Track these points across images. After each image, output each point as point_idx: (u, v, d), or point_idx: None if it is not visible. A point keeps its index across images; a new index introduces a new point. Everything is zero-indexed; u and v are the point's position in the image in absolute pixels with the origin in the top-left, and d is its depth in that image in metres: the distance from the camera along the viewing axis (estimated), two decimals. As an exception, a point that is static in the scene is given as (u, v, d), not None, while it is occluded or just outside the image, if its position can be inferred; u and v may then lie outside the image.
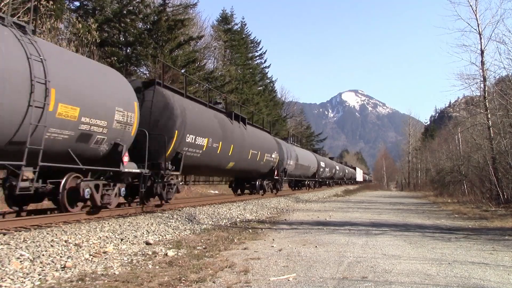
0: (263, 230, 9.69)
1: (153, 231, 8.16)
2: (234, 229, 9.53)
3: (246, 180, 19.56)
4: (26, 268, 4.91)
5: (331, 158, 52.19)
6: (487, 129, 20.47)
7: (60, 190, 7.55)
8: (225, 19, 42.01)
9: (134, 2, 24.62)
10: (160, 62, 22.50)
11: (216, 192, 24.64)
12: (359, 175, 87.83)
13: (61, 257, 5.53)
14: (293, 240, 8.19)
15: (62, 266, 5.22)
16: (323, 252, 6.84)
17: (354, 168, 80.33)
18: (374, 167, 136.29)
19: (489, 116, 19.95)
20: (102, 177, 8.86)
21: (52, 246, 5.83)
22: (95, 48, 20.21)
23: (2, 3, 13.63)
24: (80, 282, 4.65)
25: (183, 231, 8.87)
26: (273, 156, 19.72)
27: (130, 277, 4.89)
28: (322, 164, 37.01)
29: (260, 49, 49.71)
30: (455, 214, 15.99)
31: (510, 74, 18.77)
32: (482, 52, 19.97)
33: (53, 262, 5.29)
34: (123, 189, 9.16)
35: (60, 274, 4.93)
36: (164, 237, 8.05)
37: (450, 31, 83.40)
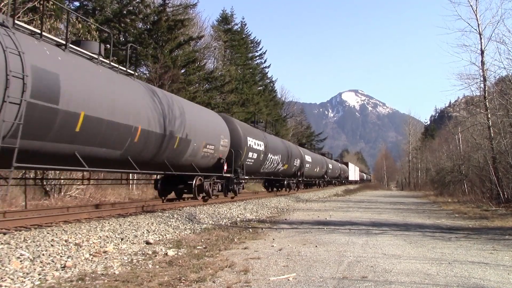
0: (263, 229, 9.69)
1: (153, 231, 8.16)
2: (234, 229, 9.53)
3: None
4: (26, 267, 4.91)
5: (302, 145, 35.77)
6: (487, 129, 20.47)
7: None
8: (225, 19, 42.04)
9: (134, 2, 24.64)
10: (160, 62, 22.54)
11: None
12: (354, 173, 70.69)
13: (61, 256, 5.53)
14: (293, 239, 8.19)
15: (62, 265, 5.22)
16: (323, 252, 6.84)
17: (346, 164, 63.44)
18: (374, 167, 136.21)
19: (489, 116, 19.95)
20: None
21: (52, 245, 5.84)
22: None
23: (2, 3, 13.62)
24: (80, 281, 4.65)
25: (183, 230, 8.88)
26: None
27: (130, 277, 4.90)
28: (260, 145, 18.28)
29: (260, 49, 49.80)
30: (455, 214, 15.99)
31: (510, 74, 18.77)
32: (482, 52, 19.97)
33: (53, 261, 5.29)
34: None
35: (60, 273, 4.93)
36: (164, 236, 8.05)
37: (450, 31, 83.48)
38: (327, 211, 15.92)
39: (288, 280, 4.95)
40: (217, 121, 14.66)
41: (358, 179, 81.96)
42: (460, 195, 28.93)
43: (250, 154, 16.97)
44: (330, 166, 42.70)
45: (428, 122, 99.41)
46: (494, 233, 9.97)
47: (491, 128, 19.96)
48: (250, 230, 9.51)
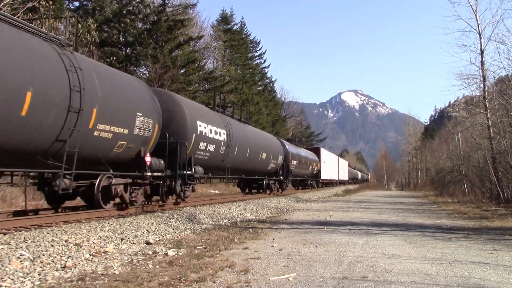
0: (264, 229, 9.69)
1: (154, 231, 8.16)
2: (234, 229, 9.53)
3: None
4: (26, 267, 4.91)
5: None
6: (487, 129, 20.48)
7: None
8: (224, 19, 42.06)
9: (133, 2, 24.63)
10: (160, 62, 22.55)
11: (216, 191, 24.62)
12: (334, 168, 43.49)
13: (61, 256, 5.53)
14: (293, 239, 8.19)
15: (62, 265, 5.22)
16: (323, 252, 6.84)
17: (316, 150, 35.82)
18: (374, 167, 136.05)
19: (489, 116, 19.96)
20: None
21: (52, 245, 5.83)
22: (94, 48, 20.22)
23: (2, 3, 13.62)
24: (80, 282, 4.64)
25: (184, 230, 8.87)
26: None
27: (130, 277, 4.89)
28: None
29: (260, 49, 49.83)
30: (455, 214, 16.00)
31: (509, 74, 18.78)
32: (482, 52, 19.98)
33: (53, 261, 5.29)
34: None
35: (60, 274, 4.93)
36: (165, 236, 8.05)
37: (450, 31, 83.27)
38: (327, 211, 15.93)
39: (288, 280, 4.95)
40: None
41: (347, 178, 57.56)
42: (460, 195, 28.94)
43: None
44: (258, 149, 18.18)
45: (428, 122, 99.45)
46: (494, 233, 9.98)
47: (490, 128, 19.96)
48: (250, 230, 9.51)
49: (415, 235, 9.33)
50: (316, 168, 32.90)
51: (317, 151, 35.68)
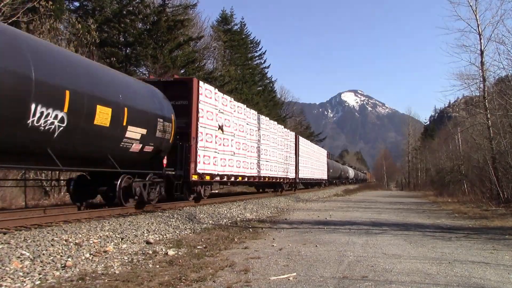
0: (264, 229, 9.70)
1: (154, 230, 8.16)
2: (234, 228, 9.53)
3: None
4: (26, 267, 4.91)
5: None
6: (487, 129, 20.48)
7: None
8: (224, 19, 42.02)
9: (133, 2, 24.64)
10: (160, 62, 22.56)
11: (216, 191, 24.60)
12: (278, 154, 20.36)
13: (61, 256, 5.53)
14: (293, 239, 8.19)
15: (63, 265, 5.22)
16: (324, 252, 6.84)
17: (182, 85, 11.61)
18: (374, 167, 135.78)
19: (489, 116, 19.96)
20: None
21: (52, 245, 5.83)
22: (94, 48, 20.20)
23: (2, 3, 13.61)
24: (80, 281, 4.65)
25: (184, 230, 8.88)
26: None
27: (131, 276, 4.90)
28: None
29: (260, 49, 49.72)
30: (455, 214, 16.00)
31: (509, 74, 18.79)
32: (481, 52, 19.98)
33: (53, 261, 5.29)
34: None
35: (60, 273, 4.94)
36: (165, 236, 8.05)
37: (450, 32, 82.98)
38: (327, 211, 15.93)
39: (289, 279, 4.95)
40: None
41: (326, 177, 37.31)
42: (460, 195, 28.93)
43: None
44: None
45: (428, 122, 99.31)
46: (494, 232, 9.98)
47: (490, 128, 19.96)
48: (250, 229, 9.52)
49: (415, 234, 9.33)
50: (155, 136, 10.19)
51: (185, 89, 12.04)
